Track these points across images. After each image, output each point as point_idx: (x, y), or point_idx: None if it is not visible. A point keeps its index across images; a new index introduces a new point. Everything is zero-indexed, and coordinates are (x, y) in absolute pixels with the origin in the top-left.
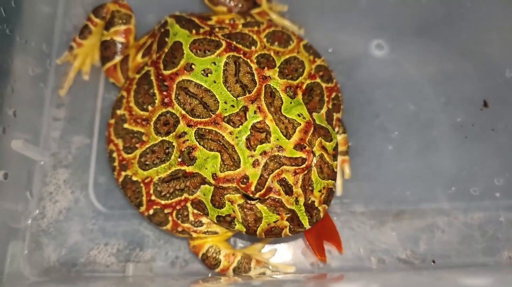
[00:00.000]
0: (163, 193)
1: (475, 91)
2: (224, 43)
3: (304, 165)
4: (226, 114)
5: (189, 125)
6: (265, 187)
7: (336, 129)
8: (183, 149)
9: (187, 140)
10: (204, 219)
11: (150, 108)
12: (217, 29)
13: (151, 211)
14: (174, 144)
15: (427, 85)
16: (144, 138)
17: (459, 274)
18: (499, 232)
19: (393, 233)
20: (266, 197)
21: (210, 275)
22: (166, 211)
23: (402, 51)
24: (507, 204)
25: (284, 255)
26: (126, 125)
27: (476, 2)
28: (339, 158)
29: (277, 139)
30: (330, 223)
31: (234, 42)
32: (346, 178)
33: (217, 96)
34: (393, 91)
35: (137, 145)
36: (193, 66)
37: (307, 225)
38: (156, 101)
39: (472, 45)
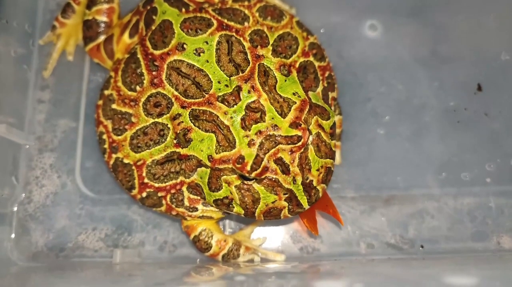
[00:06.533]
0: (157, 176)
1: (469, 75)
2: (215, 22)
3: (300, 143)
4: (220, 94)
5: (183, 107)
6: (261, 166)
7: (332, 109)
8: (178, 131)
9: (182, 122)
10: (200, 206)
11: (138, 88)
12: (206, 5)
13: (144, 194)
14: (169, 126)
15: (420, 68)
16: (133, 119)
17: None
18: (488, 218)
19: (382, 218)
20: (263, 177)
21: (198, 260)
22: (159, 194)
23: (396, 32)
24: (498, 189)
25: (273, 239)
26: (114, 106)
27: None
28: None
29: (272, 118)
30: (324, 194)
31: (226, 20)
32: (336, 164)
33: (210, 76)
34: (386, 74)
35: (126, 127)
36: (184, 46)
37: (306, 205)
38: (145, 81)
39: (467, 27)
